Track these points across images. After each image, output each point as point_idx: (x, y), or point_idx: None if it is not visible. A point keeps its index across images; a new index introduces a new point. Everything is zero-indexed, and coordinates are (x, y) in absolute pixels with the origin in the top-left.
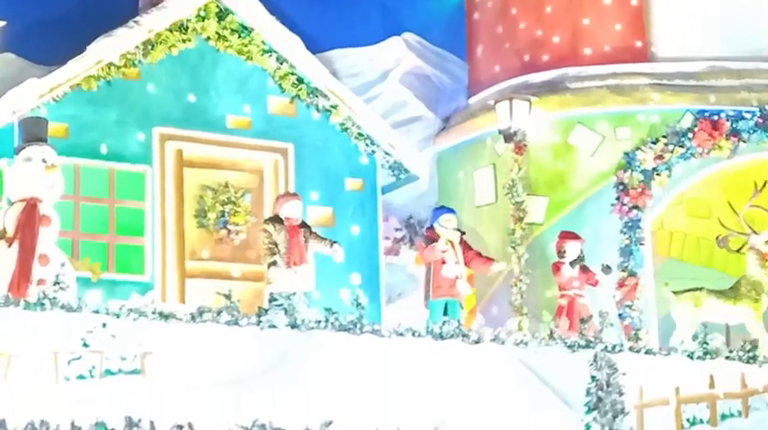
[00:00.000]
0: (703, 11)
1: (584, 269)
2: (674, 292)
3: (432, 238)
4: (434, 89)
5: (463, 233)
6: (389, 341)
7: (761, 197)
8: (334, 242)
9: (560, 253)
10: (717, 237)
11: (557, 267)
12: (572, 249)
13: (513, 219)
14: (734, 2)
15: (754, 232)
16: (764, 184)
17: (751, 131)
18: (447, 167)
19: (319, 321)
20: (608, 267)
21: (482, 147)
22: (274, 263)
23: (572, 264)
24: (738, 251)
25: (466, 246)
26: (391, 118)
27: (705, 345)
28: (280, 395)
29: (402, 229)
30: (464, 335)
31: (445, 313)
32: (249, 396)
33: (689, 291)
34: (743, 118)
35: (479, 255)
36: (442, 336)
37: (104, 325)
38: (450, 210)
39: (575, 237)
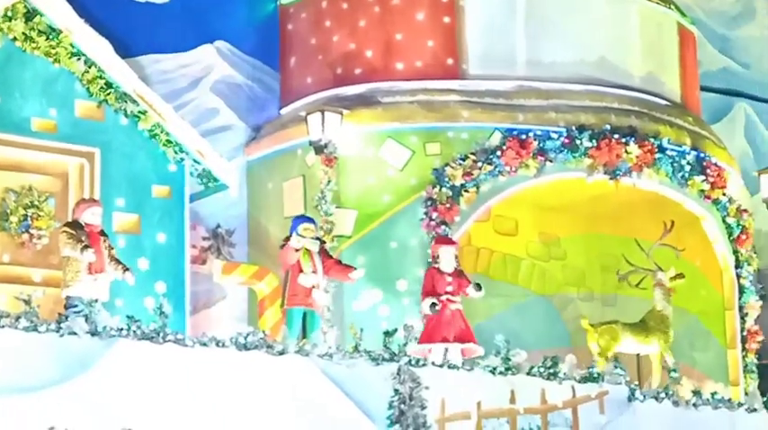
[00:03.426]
0: (514, 32)
1: (459, 275)
2: (592, 325)
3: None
4: (246, 98)
5: (323, 242)
6: (193, 350)
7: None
8: (127, 269)
9: (434, 258)
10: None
11: (431, 272)
12: (446, 254)
13: (322, 231)
14: (542, 24)
15: (660, 269)
16: (672, 224)
17: (557, 151)
18: (257, 177)
19: (121, 329)
20: (478, 285)
21: (292, 158)
22: (87, 246)
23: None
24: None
25: (325, 255)
26: (201, 126)
27: (508, 361)
28: (78, 403)
29: (209, 238)
30: (269, 346)
31: (304, 323)
32: (47, 403)
33: (605, 324)
34: (550, 138)
35: (338, 262)
36: (246, 347)
37: None
38: (309, 219)
39: (449, 241)
